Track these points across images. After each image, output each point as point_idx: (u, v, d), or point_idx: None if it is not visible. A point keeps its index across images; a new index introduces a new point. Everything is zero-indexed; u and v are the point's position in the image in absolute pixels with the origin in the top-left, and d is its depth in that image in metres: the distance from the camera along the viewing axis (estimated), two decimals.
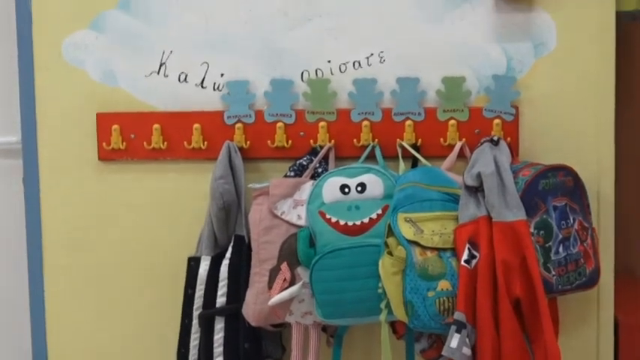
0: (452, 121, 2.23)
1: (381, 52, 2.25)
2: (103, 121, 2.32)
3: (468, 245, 1.99)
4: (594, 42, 2.21)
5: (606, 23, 2.20)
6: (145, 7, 2.31)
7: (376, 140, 2.24)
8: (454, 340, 1.94)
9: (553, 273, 1.99)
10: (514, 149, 2.19)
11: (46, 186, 2.38)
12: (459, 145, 2.22)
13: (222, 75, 2.30)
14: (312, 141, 2.27)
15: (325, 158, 2.25)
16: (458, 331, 1.94)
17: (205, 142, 2.29)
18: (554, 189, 2.03)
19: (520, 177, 2.04)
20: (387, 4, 2.24)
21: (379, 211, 2.10)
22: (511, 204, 1.99)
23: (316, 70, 2.28)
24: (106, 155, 2.34)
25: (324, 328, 2.23)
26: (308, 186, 2.19)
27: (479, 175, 2.03)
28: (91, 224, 2.38)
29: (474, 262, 1.98)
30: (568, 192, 2.06)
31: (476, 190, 2.05)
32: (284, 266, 2.12)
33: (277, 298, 2.10)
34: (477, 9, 2.22)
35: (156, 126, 2.30)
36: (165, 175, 2.34)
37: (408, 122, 2.24)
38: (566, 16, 2.21)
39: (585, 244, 2.06)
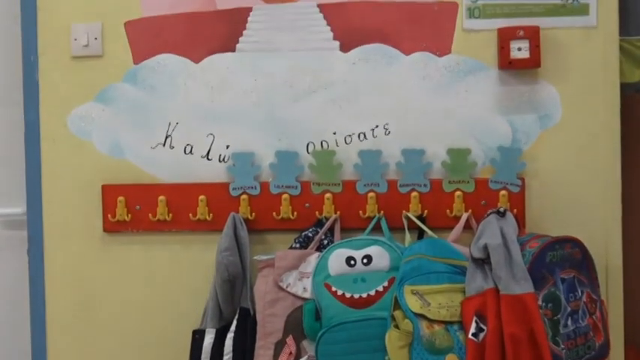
0: (458, 193, 2.23)
1: (386, 123, 2.26)
2: (109, 193, 2.32)
3: (475, 318, 1.97)
4: (599, 114, 2.22)
5: (611, 95, 2.21)
6: (150, 80, 2.33)
7: (382, 212, 2.24)
8: None
9: (562, 347, 1.96)
10: (521, 221, 2.18)
11: (51, 258, 2.37)
12: (465, 216, 2.21)
13: (227, 147, 2.31)
14: (317, 212, 2.26)
15: (331, 230, 2.25)
16: None
17: (210, 214, 2.29)
18: (561, 261, 2.02)
19: (527, 249, 2.02)
20: (392, 77, 2.26)
21: (385, 284, 2.09)
22: (518, 276, 1.97)
23: (322, 142, 2.28)
24: (111, 227, 2.33)
25: None
26: (314, 258, 2.17)
27: (485, 247, 2.02)
28: (96, 296, 2.36)
29: (481, 335, 1.96)
30: (576, 264, 2.04)
31: (483, 262, 2.03)
32: (289, 339, 2.10)
33: None
34: (482, 81, 2.24)
35: (161, 197, 2.30)
36: (170, 246, 2.33)
37: (414, 194, 2.24)
38: (570, 88, 2.22)
39: (594, 317, 2.04)
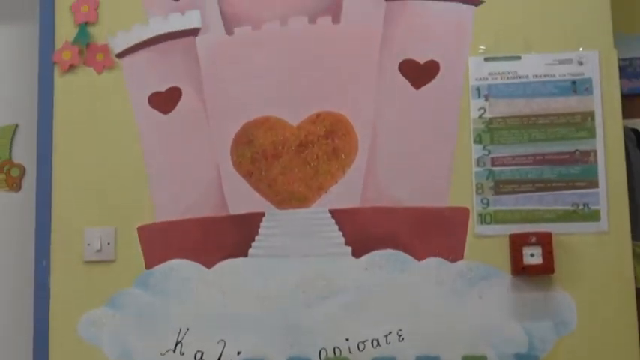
0: None
1: (400, 329, 2.23)
2: None
3: None
4: (615, 320, 2.19)
5: (626, 301, 2.19)
6: (162, 285, 2.32)
7: None
8: None
9: None
10: None
11: None
12: None
13: (238, 353, 2.28)
14: None
15: None
16: None
17: None
18: None
19: None
20: (405, 282, 2.25)
21: None
22: None
23: (334, 348, 2.25)
24: None
25: None
26: None
27: None
28: None
29: None
30: None
31: None
32: None
33: None
34: (495, 287, 2.22)
35: None
36: None
37: None
38: (585, 294, 2.20)
39: None
